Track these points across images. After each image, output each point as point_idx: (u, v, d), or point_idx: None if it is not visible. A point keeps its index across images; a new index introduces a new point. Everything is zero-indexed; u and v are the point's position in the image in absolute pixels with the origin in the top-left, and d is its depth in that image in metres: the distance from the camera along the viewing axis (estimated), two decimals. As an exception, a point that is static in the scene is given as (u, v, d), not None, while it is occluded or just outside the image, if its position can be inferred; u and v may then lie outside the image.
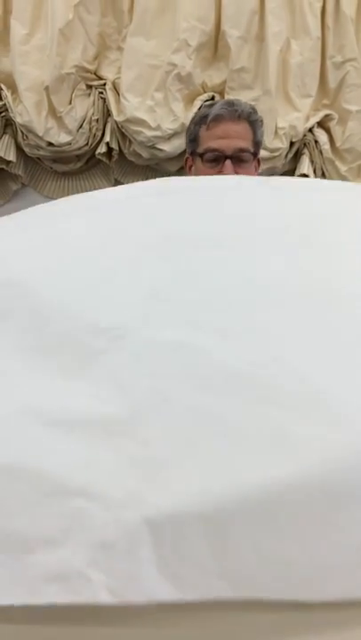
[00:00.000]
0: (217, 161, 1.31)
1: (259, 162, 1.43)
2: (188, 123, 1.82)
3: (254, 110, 1.35)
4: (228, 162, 1.29)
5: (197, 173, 1.37)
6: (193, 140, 1.38)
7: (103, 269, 0.66)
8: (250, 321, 0.59)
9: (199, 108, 1.85)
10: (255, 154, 1.35)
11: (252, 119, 1.33)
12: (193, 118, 1.40)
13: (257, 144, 1.35)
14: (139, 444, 0.52)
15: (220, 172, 1.29)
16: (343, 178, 1.93)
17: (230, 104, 1.33)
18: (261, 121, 1.38)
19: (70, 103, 1.88)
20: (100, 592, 0.48)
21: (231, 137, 1.30)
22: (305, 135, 1.89)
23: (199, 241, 0.69)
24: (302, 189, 0.86)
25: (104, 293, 0.63)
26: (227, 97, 1.87)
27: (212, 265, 0.66)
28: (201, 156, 1.33)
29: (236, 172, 1.28)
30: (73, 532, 0.49)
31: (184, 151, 1.89)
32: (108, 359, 0.57)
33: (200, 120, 1.35)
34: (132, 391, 0.55)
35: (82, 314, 0.62)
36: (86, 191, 1.05)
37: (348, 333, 0.57)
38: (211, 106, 1.34)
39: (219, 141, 1.29)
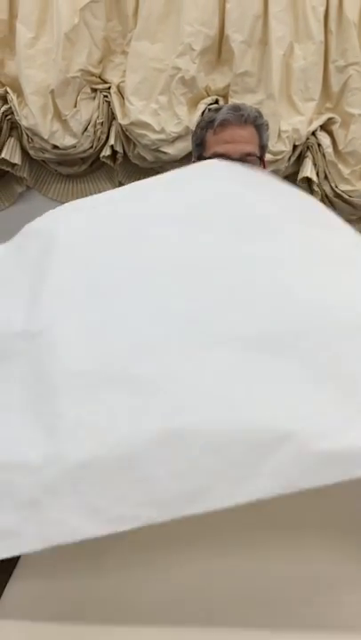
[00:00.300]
0: None
1: (265, 165, 1.44)
2: (192, 126, 1.84)
3: (260, 114, 1.36)
4: None
5: None
6: (199, 144, 1.38)
7: None
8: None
9: (203, 113, 1.87)
10: (261, 157, 1.36)
11: (257, 123, 1.34)
12: (199, 123, 1.40)
13: (263, 148, 1.36)
14: (55, 415, 0.66)
15: None
16: (346, 181, 1.95)
17: (237, 109, 1.33)
18: (267, 125, 1.39)
19: (75, 106, 1.90)
20: (31, 543, 0.59)
21: (238, 142, 1.30)
22: (308, 138, 1.90)
23: None
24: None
25: None
26: (231, 100, 1.89)
27: None
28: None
29: None
30: (3, 499, 0.62)
31: (188, 154, 1.91)
32: None
33: (206, 125, 1.35)
34: None
35: None
36: (91, 194, 1.07)
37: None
38: (217, 110, 1.34)
39: (226, 146, 1.29)
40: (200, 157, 1.38)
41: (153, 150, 1.89)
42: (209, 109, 1.40)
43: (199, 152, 1.38)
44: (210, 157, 1.32)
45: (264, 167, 1.43)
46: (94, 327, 0.75)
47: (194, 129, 1.44)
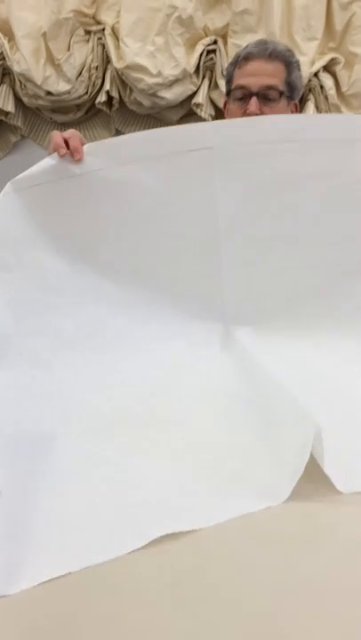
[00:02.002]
0: (244, 99, 1.30)
1: (296, 106, 1.40)
2: (189, 69, 1.79)
3: (291, 52, 1.35)
4: (253, 98, 1.28)
5: (229, 112, 1.38)
6: (228, 80, 1.39)
7: None
8: None
9: (201, 54, 1.81)
10: (286, 94, 1.32)
11: (286, 60, 1.31)
12: (231, 60, 1.40)
13: (290, 85, 1.32)
14: None
15: (245, 110, 1.28)
16: (349, 125, 1.89)
17: (263, 42, 1.33)
18: (298, 63, 1.35)
19: (69, 50, 1.83)
20: None
21: (258, 74, 1.29)
22: (310, 80, 1.83)
23: None
24: None
25: None
26: (230, 41, 1.81)
27: None
28: (232, 93, 1.34)
29: (262, 111, 1.27)
30: None
31: (186, 99, 1.86)
32: None
33: (235, 60, 1.35)
34: None
35: None
36: (87, 141, 1.05)
37: None
38: (247, 46, 1.35)
39: (246, 79, 1.29)
40: (228, 93, 1.38)
41: (150, 95, 1.83)
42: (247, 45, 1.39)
43: (228, 88, 1.39)
44: (232, 90, 1.33)
45: (296, 108, 1.39)
46: None
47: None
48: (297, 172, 1.05)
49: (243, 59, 1.31)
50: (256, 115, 1.25)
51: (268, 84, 1.28)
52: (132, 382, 0.97)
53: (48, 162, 1.02)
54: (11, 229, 1.00)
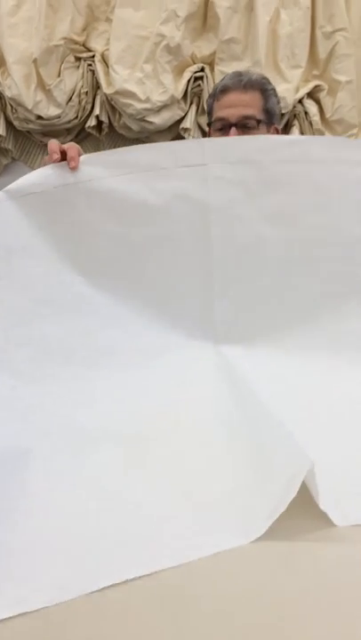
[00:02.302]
0: (224, 130, 1.36)
1: (277, 130, 1.45)
2: (177, 95, 1.83)
3: (266, 80, 1.40)
4: (233, 129, 1.33)
5: None
6: (209, 112, 1.45)
7: None
8: None
9: (188, 81, 1.86)
10: (264, 121, 1.37)
11: (261, 87, 1.37)
12: (210, 93, 1.47)
13: (268, 112, 1.38)
14: None
15: None
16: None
17: (238, 74, 1.38)
18: (273, 90, 1.41)
19: (59, 76, 1.87)
20: None
21: (235, 105, 1.34)
22: (295, 106, 1.88)
23: None
24: None
25: None
26: (217, 68, 1.86)
27: None
28: (212, 125, 1.40)
29: None
30: None
31: (174, 123, 1.90)
32: None
33: (214, 93, 1.42)
34: None
35: None
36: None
37: None
38: (223, 79, 1.41)
39: (225, 110, 1.35)
40: (209, 124, 1.44)
41: (138, 120, 1.87)
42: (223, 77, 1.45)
43: (209, 120, 1.45)
44: (212, 122, 1.38)
45: (277, 132, 1.44)
46: None
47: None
48: (294, 200, 1.06)
49: (220, 91, 1.36)
50: None
51: (245, 115, 1.33)
52: (117, 399, 0.95)
53: (43, 171, 1.01)
54: (1, 237, 0.99)
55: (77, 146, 1.04)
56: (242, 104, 1.34)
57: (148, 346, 1.05)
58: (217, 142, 1.13)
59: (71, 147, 1.02)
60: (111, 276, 1.05)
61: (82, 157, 1.03)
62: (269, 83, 1.41)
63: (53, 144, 1.02)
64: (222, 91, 1.36)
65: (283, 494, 0.62)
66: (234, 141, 1.12)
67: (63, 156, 1.01)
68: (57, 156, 1.00)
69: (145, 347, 1.05)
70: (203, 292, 1.08)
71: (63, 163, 1.01)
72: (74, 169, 1.00)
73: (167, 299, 1.08)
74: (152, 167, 1.03)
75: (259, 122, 1.35)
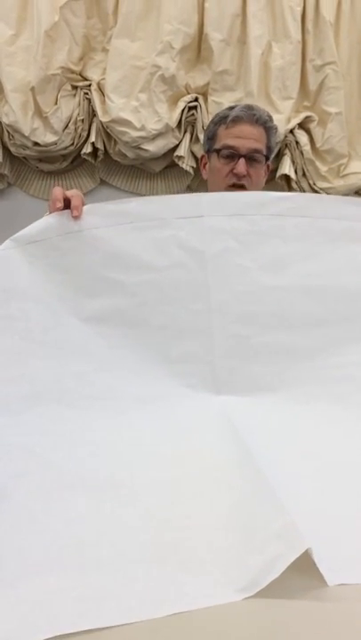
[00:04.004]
0: (232, 158, 1.40)
1: (268, 167, 1.51)
2: (172, 123, 1.87)
3: (270, 118, 1.46)
4: (242, 160, 1.38)
5: (212, 169, 1.46)
6: (211, 137, 1.47)
7: None
8: None
9: (183, 110, 1.91)
10: (267, 157, 1.44)
11: (267, 126, 1.43)
12: (213, 119, 1.50)
13: (269, 148, 1.44)
14: None
15: (233, 169, 1.38)
16: (324, 178, 1.98)
17: (250, 108, 1.43)
18: (276, 129, 1.48)
19: (56, 104, 1.91)
20: None
21: (247, 137, 1.40)
22: (286, 136, 1.93)
23: None
24: None
25: None
26: (210, 99, 1.92)
27: None
28: (218, 151, 1.42)
29: (248, 172, 1.38)
30: None
31: (169, 151, 1.94)
32: None
33: (220, 120, 1.44)
34: None
35: None
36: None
37: None
38: (231, 108, 1.44)
39: (236, 140, 1.39)
40: (210, 150, 1.46)
41: (134, 147, 1.90)
42: (225, 108, 1.49)
43: (210, 145, 1.47)
44: (220, 149, 1.41)
45: (268, 169, 1.49)
46: None
47: (207, 124, 1.53)
48: (285, 250, 1.08)
49: (231, 121, 1.40)
50: (243, 175, 1.35)
51: (255, 148, 1.39)
52: (101, 443, 0.92)
53: (47, 220, 1.04)
54: (3, 281, 1.01)
55: (81, 194, 1.06)
56: (253, 137, 1.39)
57: (143, 392, 1.03)
58: (214, 197, 1.16)
59: (75, 195, 1.04)
60: (109, 322, 1.06)
61: (85, 207, 1.05)
62: (273, 121, 1.46)
63: (57, 192, 1.04)
64: (234, 120, 1.40)
65: (271, 565, 0.61)
66: (229, 196, 1.15)
67: (66, 203, 1.03)
68: (60, 204, 1.02)
69: (140, 393, 1.03)
70: (201, 339, 1.08)
71: (66, 211, 1.03)
72: (76, 218, 1.03)
73: (165, 345, 1.08)
74: (152, 218, 1.06)
75: (264, 157, 1.41)
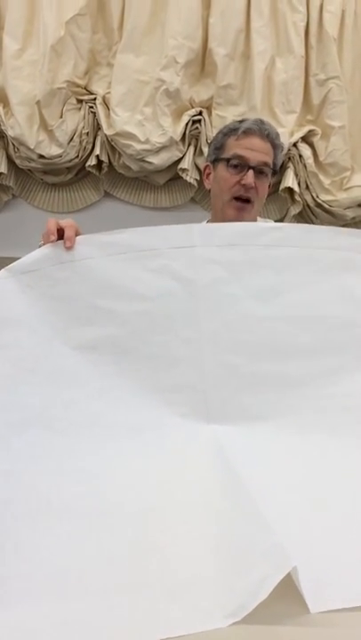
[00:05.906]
0: (240, 168, 1.40)
1: (270, 185, 1.51)
2: (176, 137, 1.89)
3: (278, 136, 1.46)
4: (250, 171, 1.38)
5: (218, 179, 1.45)
6: (218, 147, 1.46)
7: None
8: None
9: (187, 124, 1.93)
10: (273, 173, 1.45)
11: (275, 143, 1.43)
12: (221, 130, 1.49)
13: (275, 165, 1.45)
14: None
15: (241, 179, 1.38)
16: (327, 191, 1.99)
17: (261, 122, 1.43)
18: (282, 148, 1.48)
19: (61, 117, 1.93)
20: None
21: (258, 150, 1.40)
22: (290, 150, 1.95)
23: None
24: None
25: None
26: (214, 112, 1.94)
27: None
28: (227, 161, 1.42)
29: (255, 184, 1.38)
30: None
31: (173, 164, 1.95)
32: None
33: (229, 131, 1.44)
34: None
35: None
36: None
37: None
38: (241, 121, 1.44)
39: (246, 151, 1.39)
40: (217, 160, 1.46)
41: (138, 160, 1.92)
42: (233, 120, 1.49)
43: (217, 155, 1.46)
44: (229, 158, 1.41)
45: (269, 186, 1.49)
46: None
47: (215, 135, 1.52)
48: (276, 280, 1.08)
49: (243, 132, 1.40)
50: (251, 187, 1.36)
51: (264, 161, 1.39)
52: (89, 471, 0.92)
53: (42, 250, 1.05)
54: None
55: (75, 224, 1.06)
56: (263, 151, 1.40)
57: (133, 421, 1.02)
58: (206, 228, 1.17)
59: (68, 226, 1.05)
60: (101, 350, 1.06)
61: (78, 238, 1.06)
62: (280, 140, 1.46)
63: (51, 224, 1.04)
64: (245, 132, 1.40)
65: (258, 587, 0.61)
66: (222, 227, 1.15)
67: (60, 233, 1.04)
68: (54, 237, 1.03)
69: (130, 422, 1.02)
70: (192, 368, 1.08)
71: (60, 242, 1.04)
72: (69, 249, 1.04)
73: (157, 374, 1.07)
74: (145, 248, 1.07)
75: (272, 171, 1.42)
